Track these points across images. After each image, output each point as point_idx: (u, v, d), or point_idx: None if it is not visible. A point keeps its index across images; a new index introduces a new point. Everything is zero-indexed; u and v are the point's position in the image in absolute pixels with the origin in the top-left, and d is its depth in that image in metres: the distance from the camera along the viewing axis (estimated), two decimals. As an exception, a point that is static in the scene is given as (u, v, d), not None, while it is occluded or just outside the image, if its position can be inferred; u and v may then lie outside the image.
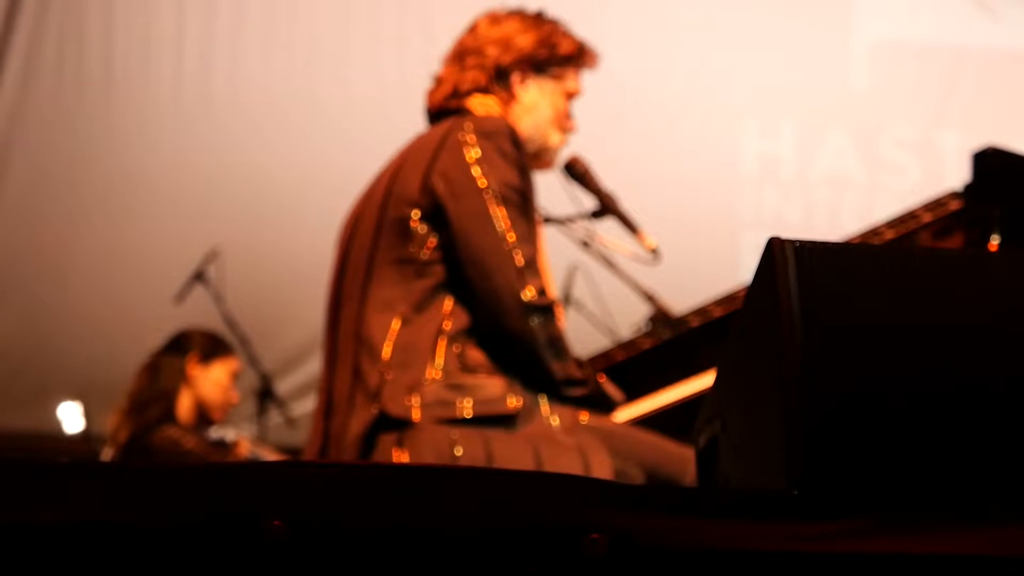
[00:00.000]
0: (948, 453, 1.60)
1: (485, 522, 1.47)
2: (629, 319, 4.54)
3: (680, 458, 3.23)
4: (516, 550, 1.47)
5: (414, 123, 3.72)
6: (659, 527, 1.48)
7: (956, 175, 3.70)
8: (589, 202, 3.96)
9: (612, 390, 3.46)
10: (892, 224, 3.55)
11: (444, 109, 3.55)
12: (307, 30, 8.26)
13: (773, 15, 8.49)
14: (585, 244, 4.11)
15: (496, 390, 3.16)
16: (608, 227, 4.02)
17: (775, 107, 8.50)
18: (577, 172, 3.89)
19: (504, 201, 3.26)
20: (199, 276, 7.29)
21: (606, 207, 3.94)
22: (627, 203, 3.99)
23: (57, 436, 7.46)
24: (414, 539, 1.47)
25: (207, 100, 8.18)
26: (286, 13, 8.27)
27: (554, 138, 3.63)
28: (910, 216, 3.53)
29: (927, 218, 3.48)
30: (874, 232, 3.59)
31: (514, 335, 3.23)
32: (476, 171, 3.28)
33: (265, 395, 7.30)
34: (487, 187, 3.26)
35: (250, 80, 8.20)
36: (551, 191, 3.82)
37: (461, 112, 3.50)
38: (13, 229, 8.05)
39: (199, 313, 7.10)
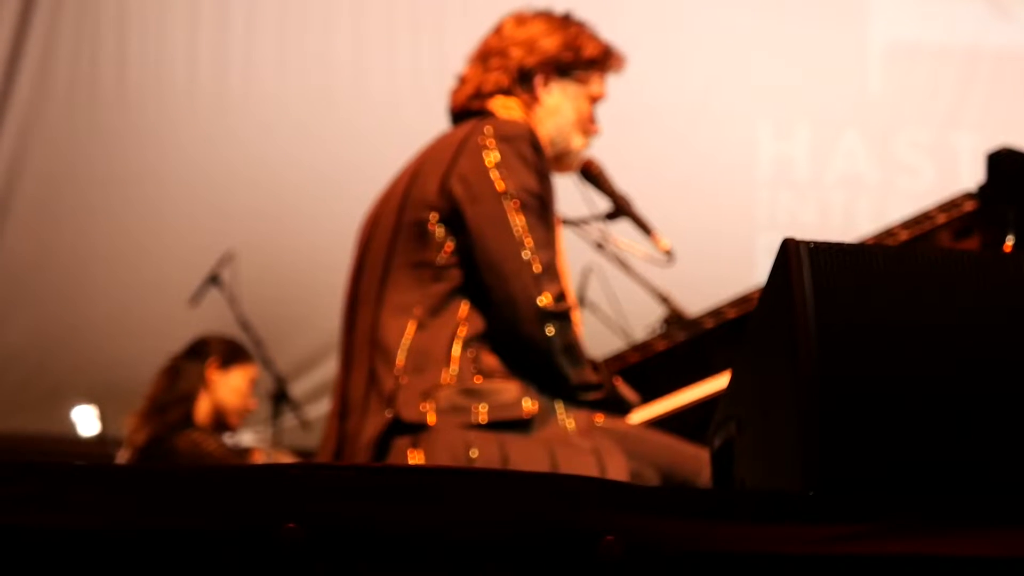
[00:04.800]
0: (965, 454, 1.59)
1: (500, 524, 1.47)
2: (643, 321, 4.53)
3: (695, 459, 3.22)
4: (532, 552, 1.47)
5: (428, 125, 3.71)
6: (675, 529, 1.48)
7: (971, 176, 3.70)
8: (603, 204, 3.96)
9: (628, 392, 3.45)
10: (907, 225, 3.55)
11: (466, 110, 3.53)
12: (321, 34, 8.27)
13: (788, 18, 8.49)
14: (599, 246, 4.11)
15: (511, 394, 3.15)
16: (622, 229, 4.02)
17: (790, 109, 8.50)
18: (592, 174, 3.88)
19: (522, 206, 3.24)
20: (214, 279, 7.30)
21: (620, 209, 3.94)
22: (642, 205, 3.99)
23: (72, 439, 7.48)
24: (428, 541, 1.47)
25: (221, 104, 8.19)
26: (300, 17, 8.28)
27: (576, 141, 3.61)
28: (925, 217, 3.53)
29: (942, 219, 3.47)
30: (889, 233, 3.59)
31: (530, 341, 3.21)
32: (495, 175, 3.26)
33: (280, 398, 7.31)
34: (505, 192, 3.24)
35: (264, 84, 8.22)
36: (566, 193, 3.82)
37: (483, 113, 3.48)
38: (28, 234, 8.07)
39: (214, 316, 7.11)
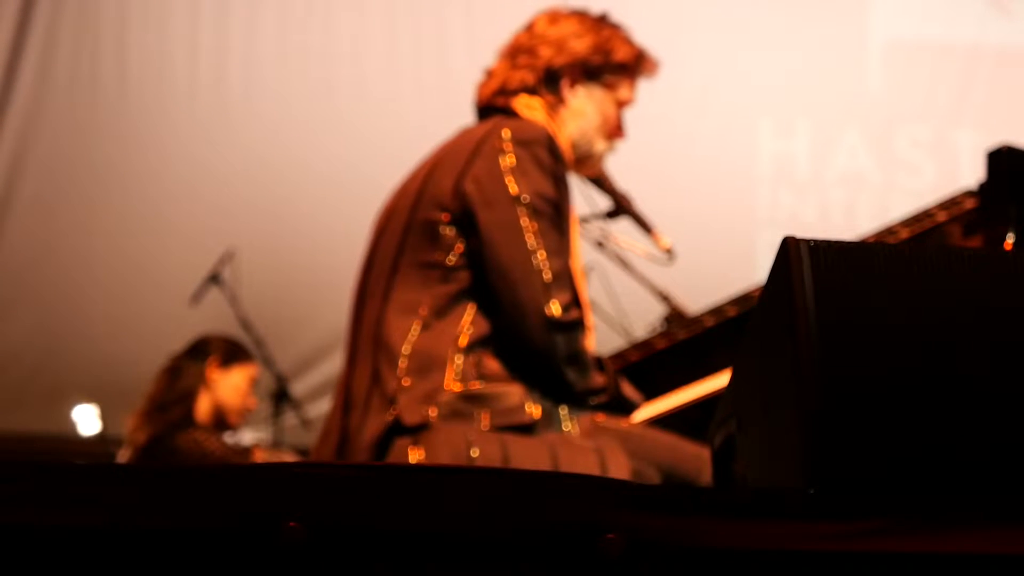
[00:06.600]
0: (966, 452, 1.59)
1: (502, 522, 1.47)
2: (644, 319, 4.54)
3: (696, 458, 3.21)
4: (534, 550, 1.47)
5: (429, 124, 3.71)
6: (676, 527, 1.48)
7: (971, 174, 3.69)
8: (604, 202, 3.96)
9: (632, 393, 3.44)
10: (907, 223, 3.54)
11: (490, 105, 3.51)
12: (321, 33, 8.27)
13: (788, 15, 8.49)
14: (600, 244, 4.11)
15: (514, 399, 3.13)
16: (623, 227, 4.02)
17: (791, 107, 8.50)
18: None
19: (535, 212, 3.20)
20: (214, 278, 7.31)
21: (621, 207, 3.94)
22: (643, 203, 3.99)
23: (73, 438, 7.49)
24: (430, 539, 1.47)
25: (221, 103, 8.20)
26: (300, 16, 8.28)
27: (599, 146, 3.56)
28: (925, 215, 3.52)
29: (942, 217, 3.47)
30: (889, 231, 3.58)
31: (535, 349, 3.19)
32: (509, 179, 3.22)
33: (281, 397, 7.32)
34: (519, 197, 3.21)
35: (264, 83, 8.22)
36: (567, 192, 3.82)
37: (506, 111, 3.45)
38: (28, 234, 8.07)
39: (214, 315, 7.12)
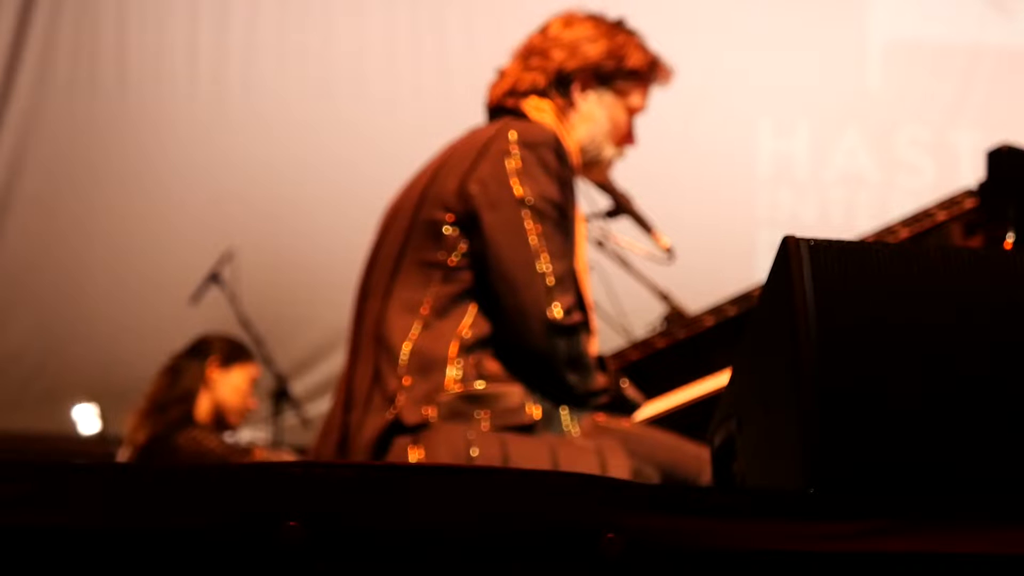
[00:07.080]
0: (965, 452, 1.59)
1: (502, 522, 1.47)
2: (644, 318, 4.53)
3: (696, 458, 3.21)
4: (534, 550, 1.47)
5: (429, 125, 3.70)
6: (675, 527, 1.48)
7: (971, 174, 3.69)
8: (604, 202, 3.95)
9: (633, 393, 3.43)
10: (907, 223, 3.54)
11: (500, 106, 3.49)
12: (321, 32, 8.27)
13: (788, 15, 8.49)
14: (600, 244, 4.10)
15: (514, 399, 3.12)
16: (623, 227, 4.01)
17: (790, 107, 8.50)
18: (592, 172, 3.86)
19: (540, 215, 3.19)
20: (214, 277, 7.31)
21: (621, 206, 3.94)
22: (642, 203, 3.98)
23: (72, 437, 7.49)
24: (430, 539, 1.47)
25: (221, 103, 8.19)
26: (299, 15, 8.28)
27: (608, 151, 3.55)
28: (925, 215, 3.52)
29: (942, 216, 3.47)
30: (889, 231, 3.58)
31: (536, 352, 3.18)
32: (514, 182, 3.20)
33: (280, 396, 7.31)
34: (523, 199, 3.20)
35: (264, 82, 8.22)
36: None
37: (516, 112, 3.44)
38: (28, 233, 8.07)
39: (214, 315, 7.11)
